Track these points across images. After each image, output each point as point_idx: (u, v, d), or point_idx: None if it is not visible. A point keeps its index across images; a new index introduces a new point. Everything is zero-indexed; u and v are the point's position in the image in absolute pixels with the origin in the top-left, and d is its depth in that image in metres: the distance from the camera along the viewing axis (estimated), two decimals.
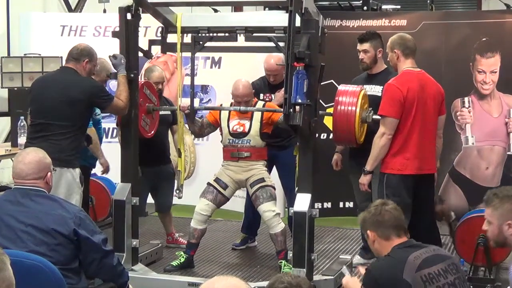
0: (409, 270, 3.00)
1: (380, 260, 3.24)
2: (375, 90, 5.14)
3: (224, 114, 5.34)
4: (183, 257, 5.28)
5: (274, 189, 5.24)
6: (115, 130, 7.18)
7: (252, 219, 5.94)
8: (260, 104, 5.34)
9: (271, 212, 5.10)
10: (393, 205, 3.39)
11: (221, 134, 5.38)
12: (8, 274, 2.02)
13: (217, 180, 5.28)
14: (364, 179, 4.76)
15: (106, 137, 7.40)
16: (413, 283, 2.96)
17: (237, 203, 6.45)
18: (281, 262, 5.14)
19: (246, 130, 5.25)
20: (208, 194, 5.25)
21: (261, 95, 5.62)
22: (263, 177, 5.23)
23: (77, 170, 4.67)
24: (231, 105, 5.28)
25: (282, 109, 4.39)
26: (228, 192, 5.29)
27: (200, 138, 7.24)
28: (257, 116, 5.26)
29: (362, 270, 3.33)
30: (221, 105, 5.56)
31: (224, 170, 5.32)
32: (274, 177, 5.56)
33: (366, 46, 5.23)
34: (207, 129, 5.46)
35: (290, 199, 5.43)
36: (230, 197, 5.37)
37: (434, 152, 4.79)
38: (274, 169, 5.79)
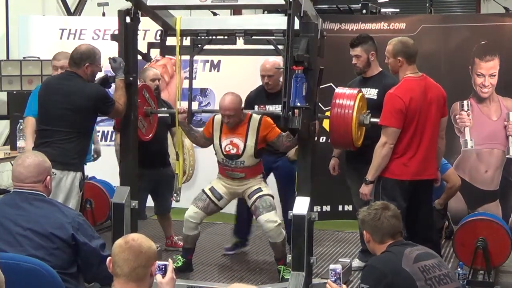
0: (407, 261, 3.22)
1: (379, 255, 3.40)
2: (370, 93, 5.11)
3: (216, 127, 5.09)
4: (180, 261, 5.26)
5: (273, 197, 5.10)
6: (113, 134, 7.17)
7: (243, 223, 5.86)
8: (255, 118, 5.04)
9: (273, 222, 4.95)
10: (393, 212, 3.46)
11: (214, 149, 5.16)
12: None
13: (212, 189, 5.15)
14: (366, 189, 4.66)
15: (105, 140, 7.41)
16: (412, 273, 3.17)
17: (235, 206, 6.43)
18: (280, 267, 5.11)
19: (240, 152, 5.01)
20: (200, 202, 5.13)
21: (256, 106, 5.47)
22: (260, 186, 5.10)
23: (79, 174, 4.64)
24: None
25: (280, 113, 4.36)
26: (222, 202, 5.18)
27: None
28: (252, 132, 5.00)
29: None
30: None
31: (219, 181, 5.20)
32: (271, 184, 5.48)
33: (357, 51, 5.19)
34: (203, 140, 5.24)
35: (285, 205, 5.34)
36: (223, 207, 5.25)
37: (435, 157, 4.72)
38: (272, 176, 5.69)
